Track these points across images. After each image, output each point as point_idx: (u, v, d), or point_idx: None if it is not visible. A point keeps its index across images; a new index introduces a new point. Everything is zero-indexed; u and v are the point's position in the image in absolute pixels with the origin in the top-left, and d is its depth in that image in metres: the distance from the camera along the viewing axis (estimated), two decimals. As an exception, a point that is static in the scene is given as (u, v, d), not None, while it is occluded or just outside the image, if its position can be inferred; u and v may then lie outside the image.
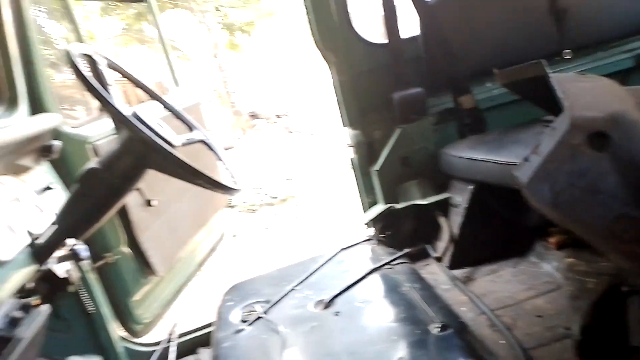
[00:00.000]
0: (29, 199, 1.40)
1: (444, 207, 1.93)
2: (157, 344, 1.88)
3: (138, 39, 10.80)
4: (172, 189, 2.05)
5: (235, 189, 1.40)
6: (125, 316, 1.85)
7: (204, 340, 1.83)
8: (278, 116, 13.37)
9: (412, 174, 2.04)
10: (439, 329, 1.32)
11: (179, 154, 1.27)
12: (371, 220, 2.11)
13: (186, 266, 2.32)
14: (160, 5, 10.47)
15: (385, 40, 2.06)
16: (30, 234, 1.29)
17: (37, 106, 1.65)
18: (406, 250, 1.91)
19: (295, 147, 9.38)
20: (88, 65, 1.28)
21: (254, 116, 13.13)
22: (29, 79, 1.63)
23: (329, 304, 1.57)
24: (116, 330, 1.81)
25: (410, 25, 2.13)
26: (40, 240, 1.30)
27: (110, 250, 1.78)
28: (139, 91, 1.73)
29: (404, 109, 1.98)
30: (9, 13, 1.59)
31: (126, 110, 1.24)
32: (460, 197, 1.81)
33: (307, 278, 1.78)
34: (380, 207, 2.07)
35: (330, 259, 1.91)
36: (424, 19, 2.05)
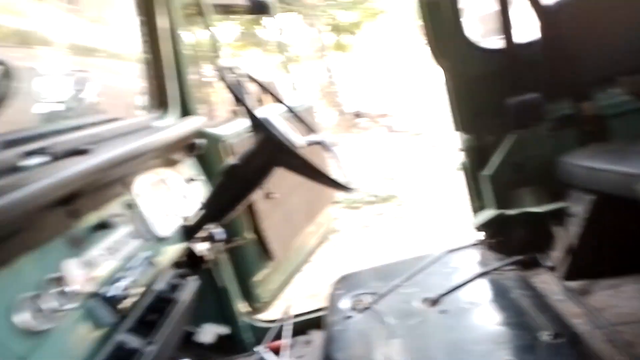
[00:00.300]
0: (179, 187, 1.68)
1: (559, 216, 1.88)
2: (273, 321, 2.10)
3: (254, 42, 11.56)
4: (288, 184, 2.25)
5: (351, 188, 1.53)
6: (248, 294, 2.09)
7: (315, 323, 1.99)
8: (381, 115, 13.44)
9: (525, 181, 2.01)
10: (551, 337, 1.29)
11: (304, 154, 1.44)
12: (480, 224, 2.12)
13: (299, 254, 2.52)
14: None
15: (500, 46, 2.05)
16: (181, 217, 1.55)
17: (184, 110, 1.94)
18: (516, 258, 1.89)
19: (398, 146, 9.36)
20: (233, 76, 1.51)
21: (357, 115, 13.34)
22: (178, 87, 1.93)
23: (435, 302, 1.63)
24: (240, 306, 2.06)
25: (524, 30, 2.10)
26: (190, 223, 1.56)
27: (239, 235, 2.02)
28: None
29: (519, 115, 1.96)
30: (165, 32, 1.90)
31: (260, 116, 1.44)
32: (579, 207, 1.75)
33: (413, 275, 1.85)
34: (490, 213, 2.07)
35: (436, 259, 1.96)
36: (544, 24, 2.00)
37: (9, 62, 0.98)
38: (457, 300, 1.63)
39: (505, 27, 2.00)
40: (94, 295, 1.02)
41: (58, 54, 2.22)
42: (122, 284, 1.09)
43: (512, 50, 2.00)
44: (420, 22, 2.13)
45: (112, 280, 1.08)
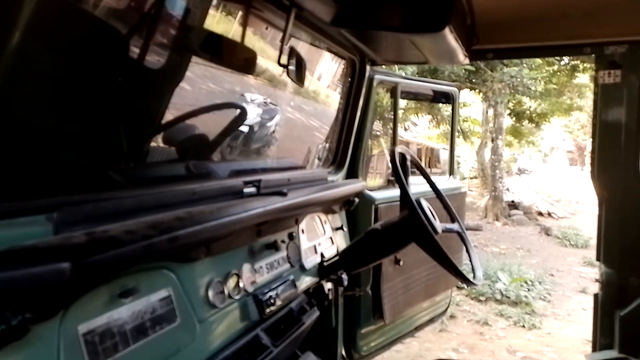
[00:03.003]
0: (328, 232, 2.03)
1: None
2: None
3: (427, 109, 12.03)
4: (417, 257, 2.46)
5: (473, 283, 1.70)
6: (351, 341, 2.33)
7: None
8: (544, 214, 12.56)
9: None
10: None
11: (438, 240, 1.66)
12: (597, 361, 2.05)
13: (408, 324, 2.68)
14: (452, 81, 11.40)
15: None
16: (322, 256, 1.89)
17: (351, 171, 2.32)
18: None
19: (550, 251, 8.68)
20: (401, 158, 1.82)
21: (513, 206, 12.68)
22: (353, 153, 2.32)
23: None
24: (340, 349, 2.31)
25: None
26: (326, 263, 1.88)
27: (359, 286, 2.29)
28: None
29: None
30: (359, 105, 2.31)
31: (412, 197, 1.71)
32: None
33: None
34: (613, 353, 1.99)
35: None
36: None
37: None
38: None
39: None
40: (252, 295, 1.39)
41: (270, 91, 2.77)
42: (271, 294, 1.45)
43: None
44: (591, 146, 2.20)
45: (265, 287, 1.44)
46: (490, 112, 12.46)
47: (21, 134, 0.94)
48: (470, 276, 1.73)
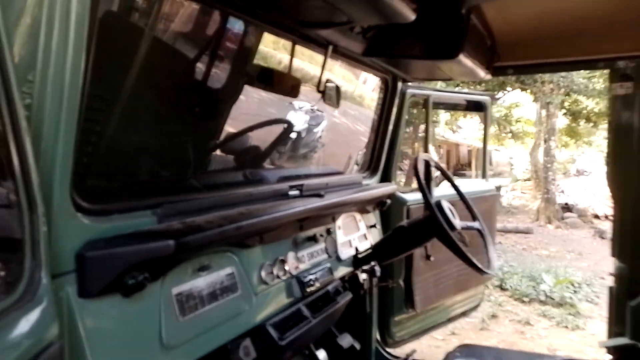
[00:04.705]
0: (363, 229, 2.34)
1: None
2: (396, 357, 2.58)
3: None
4: (448, 253, 2.70)
5: (486, 272, 1.95)
6: (385, 327, 2.63)
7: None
8: (599, 217, 12.15)
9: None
10: None
11: (455, 235, 1.92)
12: (611, 347, 2.22)
13: (439, 315, 2.94)
14: (501, 83, 11.25)
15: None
16: (356, 249, 2.20)
17: (385, 175, 2.61)
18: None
19: (604, 255, 8.47)
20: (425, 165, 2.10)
21: (566, 209, 12.34)
22: (387, 156, 2.61)
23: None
24: (375, 333, 2.61)
25: None
26: (360, 255, 2.19)
27: (392, 278, 2.58)
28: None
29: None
30: (393, 114, 2.60)
31: (433, 199, 1.99)
32: None
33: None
34: (625, 340, 2.16)
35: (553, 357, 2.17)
36: None
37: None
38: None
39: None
40: (295, 277, 1.72)
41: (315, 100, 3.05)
42: (311, 277, 1.78)
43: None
44: (607, 145, 2.36)
45: (306, 272, 1.78)
46: (544, 112, 12.21)
47: (134, 154, 1.33)
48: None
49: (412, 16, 1.32)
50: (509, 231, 10.28)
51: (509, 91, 12.76)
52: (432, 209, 1.94)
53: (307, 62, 2.20)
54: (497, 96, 14.25)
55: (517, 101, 15.56)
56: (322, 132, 2.95)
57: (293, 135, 2.55)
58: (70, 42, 0.89)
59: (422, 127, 11.54)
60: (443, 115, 13.50)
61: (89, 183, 1.06)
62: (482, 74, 2.20)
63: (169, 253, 1.09)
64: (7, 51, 0.75)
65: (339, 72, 2.72)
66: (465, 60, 1.88)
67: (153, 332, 1.14)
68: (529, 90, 11.58)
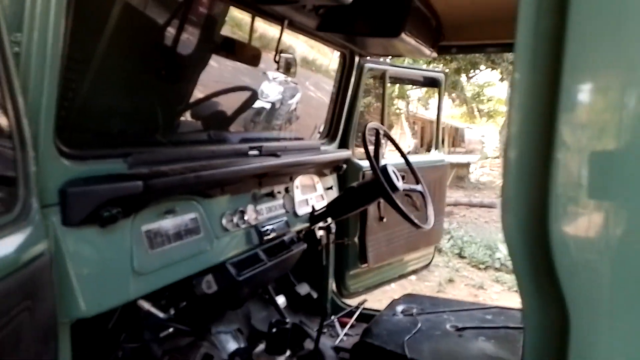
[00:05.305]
0: (320, 190, 2.58)
1: None
2: (349, 306, 2.87)
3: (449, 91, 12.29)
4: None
5: (419, 226, 2.23)
6: (340, 280, 2.91)
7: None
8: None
9: None
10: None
11: (396, 196, 2.19)
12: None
13: (390, 272, 3.24)
14: (473, 63, 11.57)
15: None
16: (313, 207, 2.45)
17: (343, 142, 2.85)
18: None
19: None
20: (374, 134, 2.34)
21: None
22: (345, 127, 2.84)
23: (460, 329, 2.21)
24: (332, 284, 2.89)
25: None
26: (315, 213, 2.44)
27: (348, 237, 2.85)
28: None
29: None
30: (350, 87, 2.82)
31: (380, 164, 2.24)
32: None
33: (458, 311, 2.43)
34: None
35: (484, 307, 2.48)
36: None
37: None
38: (477, 333, 2.17)
39: None
40: (254, 226, 1.96)
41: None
42: (268, 227, 2.02)
43: None
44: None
45: (264, 223, 2.02)
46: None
47: (108, 110, 1.53)
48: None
49: (348, 0, 1.53)
50: (474, 205, 10.77)
51: (481, 70, 13.09)
52: (377, 172, 2.19)
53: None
54: (470, 75, 14.60)
55: (489, 80, 15.96)
56: (296, 104, 3.14)
57: (267, 105, 2.74)
58: (52, 6, 1.07)
59: (394, 101, 11.79)
60: (415, 93, 13.78)
61: (69, 132, 1.25)
62: (427, 52, 2.43)
63: (138, 192, 1.30)
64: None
65: (320, 47, 2.85)
66: (408, 39, 2.11)
67: (126, 259, 1.36)
68: (498, 70, 11.93)
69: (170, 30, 1.79)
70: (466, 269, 6.34)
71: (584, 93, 0.50)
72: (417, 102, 14.05)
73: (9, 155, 1.01)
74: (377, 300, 3.36)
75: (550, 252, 0.49)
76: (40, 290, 1.01)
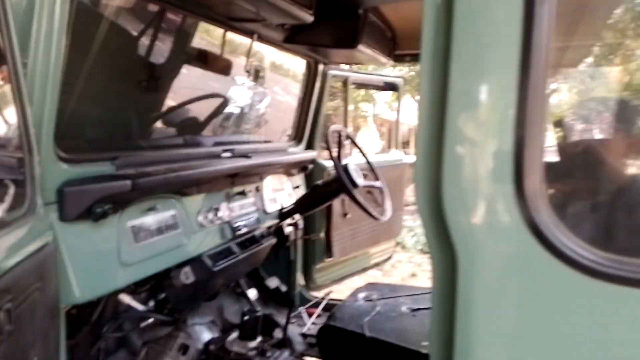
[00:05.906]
0: (288, 189, 2.79)
1: None
2: (316, 297, 3.09)
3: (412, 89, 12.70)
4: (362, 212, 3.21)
5: (377, 218, 2.47)
6: (307, 273, 3.12)
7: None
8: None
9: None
10: None
11: (357, 192, 2.42)
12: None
13: (355, 264, 3.48)
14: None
15: None
16: (281, 205, 2.65)
17: (310, 144, 3.07)
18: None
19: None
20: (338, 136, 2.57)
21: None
22: (311, 130, 3.05)
23: (414, 310, 2.46)
24: (300, 278, 3.10)
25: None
26: (284, 210, 2.65)
27: (315, 232, 3.07)
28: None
29: None
30: (316, 93, 3.04)
31: (342, 163, 2.47)
32: None
33: (416, 295, 2.68)
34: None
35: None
36: None
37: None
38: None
39: None
40: (227, 222, 2.15)
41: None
42: (240, 223, 2.21)
43: None
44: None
45: (237, 219, 2.21)
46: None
47: (98, 120, 1.69)
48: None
49: (310, 18, 1.75)
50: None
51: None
52: (339, 170, 2.42)
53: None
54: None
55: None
56: (265, 108, 3.32)
57: (235, 110, 2.92)
58: (54, 35, 1.24)
59: (360, 106, 12.11)
60: (381, 96, 14.15)
61: (65, 140, 1.41)
62: (384, 60, 2.69)
63: (127, 190, 1.48)
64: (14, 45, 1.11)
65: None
66: (365, 49, 2.35)
67: (115, 251, 1.53)
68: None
69: (151, 47, 1.96)
70: (428, 263, 6.68)
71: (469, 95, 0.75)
72: (384, 105, 14.44)
73: (18, 159, 1.18)
74: (344, 294, 3.60)
75: (445, 217, 0.73)
76: (48, 274, 1.18)
